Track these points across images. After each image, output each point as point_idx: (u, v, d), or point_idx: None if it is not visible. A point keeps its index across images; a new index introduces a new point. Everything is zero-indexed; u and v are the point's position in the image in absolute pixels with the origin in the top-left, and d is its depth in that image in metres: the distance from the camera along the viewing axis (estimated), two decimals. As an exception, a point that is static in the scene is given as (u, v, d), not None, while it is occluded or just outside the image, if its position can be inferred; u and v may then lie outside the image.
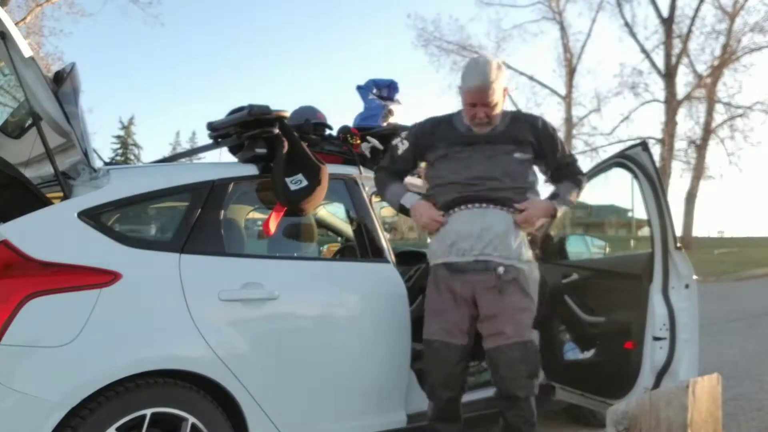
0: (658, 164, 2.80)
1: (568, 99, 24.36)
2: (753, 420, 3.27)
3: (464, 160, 2.31)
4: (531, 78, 24.81)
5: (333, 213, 3.49)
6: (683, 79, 22.90)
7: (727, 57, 21.84)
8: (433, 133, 2.41)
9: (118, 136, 41.61)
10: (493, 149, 2.30)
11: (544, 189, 2.45)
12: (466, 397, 2.43)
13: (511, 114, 2.42)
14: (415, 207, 2.37)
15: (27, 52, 1.97)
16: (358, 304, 2.42)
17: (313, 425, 2.25)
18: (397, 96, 3.24)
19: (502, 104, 2.33)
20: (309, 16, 67.93)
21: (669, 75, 22.28)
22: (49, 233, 1.92)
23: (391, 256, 2.55)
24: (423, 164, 2.58)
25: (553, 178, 2.46)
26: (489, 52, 23.76)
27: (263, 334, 2.15)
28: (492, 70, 2.24)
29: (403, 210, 2.44)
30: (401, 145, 2.47)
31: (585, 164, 23.03)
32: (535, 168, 2.42)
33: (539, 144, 2.34)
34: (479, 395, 2.63)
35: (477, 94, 2.24)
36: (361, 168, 2.67)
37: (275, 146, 2.38)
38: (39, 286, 1.80)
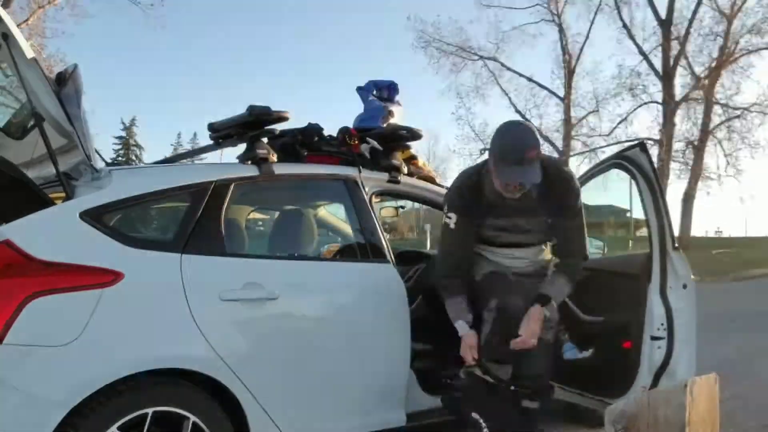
0: (656, 165, 2.82)
1: (566, 100, 24.36)
2: (750, 419, 3.28)
3: (494, 213, 2.33)
4: (530, 79, 24.82)
5: (333, 213, 3.50)
6: (681, 81, 22.89)
7: (724, 59, 21.87)
8: (470, 200, 2.36)
9: (120, 137, 41.58)
10: (522, 208, 2.32)
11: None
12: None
13: (543, 171, 2.21)
14: (463, 338, 2.35)
15: (29, 53, 1.98)
16: (358, 304, 2.43)
17: (314, 424, 2.27)
18: (397, 97, 3.25)
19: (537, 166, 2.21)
20: (310, 17, 67.87)
21: (667, 76, 22.30)
22: (52, 233, 1.93)
23: (391, 256, 2.56)
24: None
25: (555, 248, 2.46)
26: (486, 53, 23.72)
27: (264, 333, 2.17)
28: (530, 143, 2.15)
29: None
30: (449, 219, 2.39)
31: (584, 165, 23.11)
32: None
33: (562, 207, 2.34)
34: None
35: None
36: (361, 168, 2.68)
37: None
38: (41, 285, 1.81)
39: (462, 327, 2.35)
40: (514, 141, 2.17)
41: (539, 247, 2.49)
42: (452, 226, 2.38)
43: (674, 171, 22.50)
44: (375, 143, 2.79)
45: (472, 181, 2.38)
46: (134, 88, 63.70)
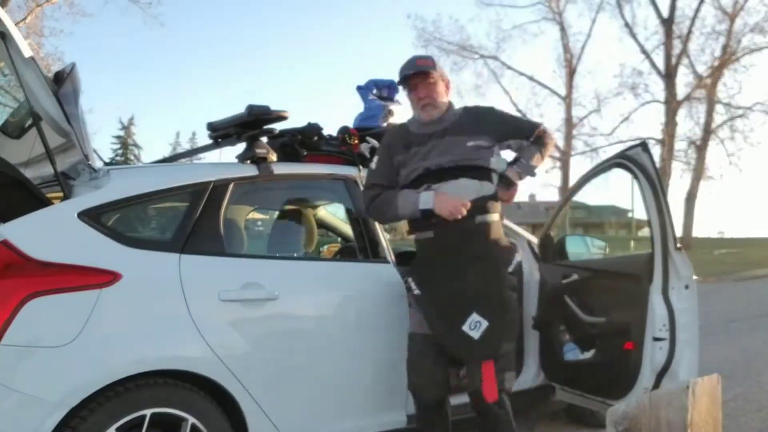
0: (658, 165, 2.79)
1: (568, 99, 24.38)
2: (753, 420, 3.27)
3: (420, 155, 2.29)
4: (531, 78, 24.84)
5: (333, 213, 3.49)
6: (683, 80, 22.89)
7: (727, 57, 21.83)
8: (395, 140, 2.40)
9: (118, 137, 41.57)
10: (445, 142, 2.28)
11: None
12: (455, 400, 2.42)
13: (462, 108, 2.42)
14: (438, 200, 2.20)
15: (27, 52, 1.97)
16: (358, 305, 2.41)
17: (313, 425, 2.25)
18: (397, 96, 3.24)
19: (446, 94, 2.37)
20: (309, 16, 67.98)
21: (669, 75, 22.28)
22: (49, 233, 1.92)
23: (391, 256, 2.55)
24: None
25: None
26: (487, 52, 23.76)
27: (263, 334, 2.15)
28: (425, 56, 2.40)
29: (425, 213, 2.24)
30: (372, 163, 2.45)
31: (585, 165, 23.11)
32: (502, 153, 2.38)
33: (494, 129, 2.33)
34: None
35: (413, 74, 2.31)
36: (361, 168, 2.66)
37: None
38: (39, 286, 1.80)
39: (426, 196, 2.22)
40: (408, 59, 2.39)
41: (471, 180, 2.23)
42: (373, 166, 2.43)
43: (676, 171, 22.51)
44: (375, 143, 2.78)
45: (398, 125, 2.51)
46: (133, 88, 63.82)
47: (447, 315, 2.21)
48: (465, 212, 2.18)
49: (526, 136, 2.40)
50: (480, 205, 2.24)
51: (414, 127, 2.39)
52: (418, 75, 2.31)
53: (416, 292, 2.29)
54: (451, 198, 2.20)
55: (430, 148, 2.29)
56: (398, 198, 2.29)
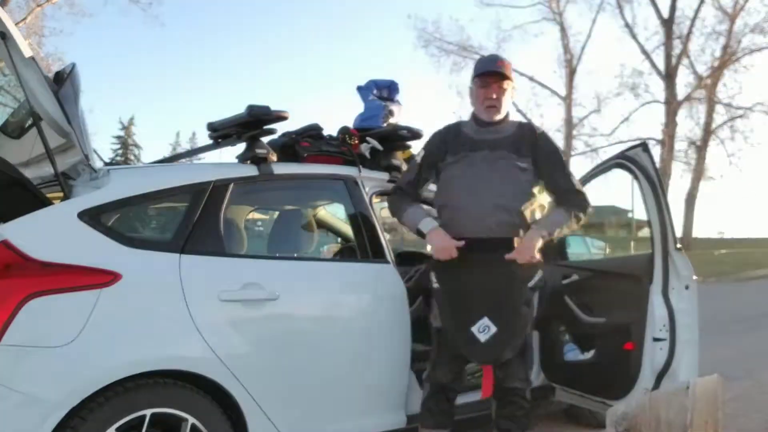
0: (658, 165, 2.78)
1: (568, 100, 24.40)
2: (753, 421, 3.27)
3: (467, 168, 2.28)
4: (531, 79, 24.84)
5: (333, 213, 3.50)
6: (683, 80, 22.99)
7: (727, 58, 21.86)
8: (443, 143, 2.38)
9: (118, 137, 41.53)
10: (495, 155, 2.27)
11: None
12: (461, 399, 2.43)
13: (518, 122, 2.42)
14: (431, 234, 2.28)
15: (27, 52, 1.97)
16: (358, 305, 2.42)
17: (313, 426, 2.25)
18: (398, 96, 3.24)
19: (510, 100, 2.37)
20: (310, 16, 67.90)
21: (669, 76, 22.30)
22: (49, 233, 1.92)
23: (391, 256, 2.54)
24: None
25: (555, 203, 2.36)
26: (487, 52, 23.74)
27: (263, 334, 2.15)
28: (505, 59, 2.38)
29: (420, 234, 2.34)
30: (417, 155, 2.45)
31: (585, 165, 23.14)
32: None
33: (536, 155, 2.29)
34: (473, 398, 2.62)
35: (492, 72, 2.31)
36: (361, 168, 2.66)
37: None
38: (39, 286, 1.80)
39: (427, 223, 2.28)
40: (489, 55, 2.54)
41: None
42: (418, 160, 2.42)
43: (676, 171, 22.54)
44: (375, 143, 2.78)
45: (451, 125, 2.45)
46: (133, 88, 63.72)
47: (460, 313, 2.22)
48: (455, 254, 2.20)
49: (557, 190, 2.31)
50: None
51: (467, 129, 2.36)
52: (496, 75, 2.30)
53: (435, 286, 2.30)
54: (445, 239, 2.22)
55: (480, 159, 2.27)
56: (408, 209, 2.38)
